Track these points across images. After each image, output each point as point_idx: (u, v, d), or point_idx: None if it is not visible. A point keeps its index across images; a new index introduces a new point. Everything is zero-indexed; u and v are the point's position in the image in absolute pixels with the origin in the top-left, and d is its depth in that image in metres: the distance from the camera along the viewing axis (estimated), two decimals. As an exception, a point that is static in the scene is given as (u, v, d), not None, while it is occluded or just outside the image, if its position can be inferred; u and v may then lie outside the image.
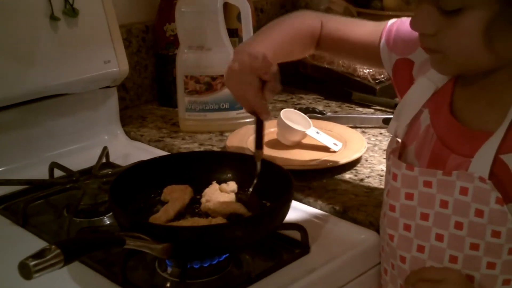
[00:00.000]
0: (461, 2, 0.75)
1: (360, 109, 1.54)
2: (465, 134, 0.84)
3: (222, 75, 1.39)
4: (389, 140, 0.96)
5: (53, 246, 0.72)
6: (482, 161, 0.79)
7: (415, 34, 0.85)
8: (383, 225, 0.92)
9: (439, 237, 0.83)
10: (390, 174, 0.89)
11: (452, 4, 0.76)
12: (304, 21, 1.10)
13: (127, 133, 1.43)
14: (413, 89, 0.92)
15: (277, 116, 1.29)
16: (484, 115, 0.83)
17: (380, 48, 1.01)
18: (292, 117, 1.30)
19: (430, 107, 0.89)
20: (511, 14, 0.74)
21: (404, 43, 0.98)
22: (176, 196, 1.03)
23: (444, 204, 0.83)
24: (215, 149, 1.34)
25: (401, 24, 1.00)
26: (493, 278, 0.81)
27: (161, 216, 0.98)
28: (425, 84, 0.90)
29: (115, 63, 1.35)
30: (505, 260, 0.80)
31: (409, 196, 0.86)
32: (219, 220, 0.98)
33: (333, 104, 1.58)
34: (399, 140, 0.92)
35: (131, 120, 1.50)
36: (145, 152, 1.32)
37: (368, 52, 1.04)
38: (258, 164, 1.03)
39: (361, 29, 1.06)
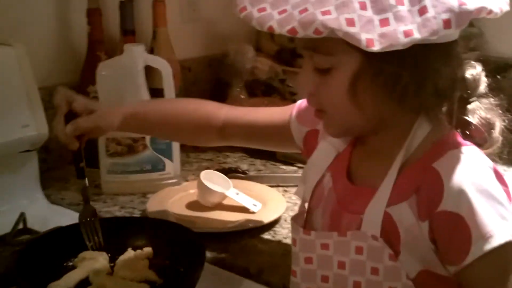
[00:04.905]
0: (330, 62, 0.79)
1: (284, 167, 1.55)
2: (356, 193, 0.86)
3: (143, 137, 1.39)
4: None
5: None
6: (372, 217, 0.81)
7: None
8: None
9: None
10: (291, 240, 0.90)
11: (322, 64, 0.80)
12: (202, 106, 1.18)
13: (48, 197, 1.41)
14: (316, 153, 0.95)
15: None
16: (373, 174, 0.85)
17: (290, 124, 1.06)
18: (212, 178, 1.31)
19: (332, 170, 0.91)
20: (373, 67, 0.77)
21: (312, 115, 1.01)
22: (86, 263, 1.01)
23: (341, 265, 0.84)
24: (136, 211, 1.32)
25: None
26: None
27: (61, 283, 0.97)
28: (327, 149, 0.93)
29: (34, 127, 1.33)
30: None
31: (308, 260, 0.87)
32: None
33: (258, 162, 1.59)
34: (306, 203, 0.93)
35: (53, 182, 1.47)
36: (65, 216, 1.29)
37: (278, 130, 1.08)
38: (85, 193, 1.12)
39: (268, 112, 1.13)
